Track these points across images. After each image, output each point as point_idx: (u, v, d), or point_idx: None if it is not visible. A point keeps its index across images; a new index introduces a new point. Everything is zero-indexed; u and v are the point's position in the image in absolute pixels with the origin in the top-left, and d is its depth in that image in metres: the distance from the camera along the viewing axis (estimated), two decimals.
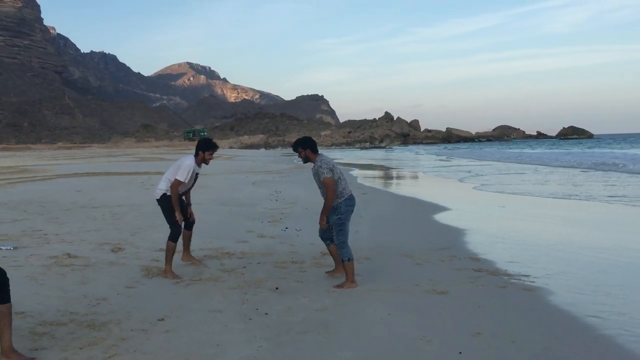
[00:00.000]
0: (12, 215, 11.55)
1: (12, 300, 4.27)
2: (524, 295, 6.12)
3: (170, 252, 6.96)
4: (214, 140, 7.59)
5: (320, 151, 6.96)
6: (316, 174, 6.75)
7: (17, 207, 12.87)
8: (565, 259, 8.11)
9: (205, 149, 7.17)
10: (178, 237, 7.12)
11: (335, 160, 8.01)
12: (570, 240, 9.63)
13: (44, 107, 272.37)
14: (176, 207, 7.09)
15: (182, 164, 7.14)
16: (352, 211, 6.85)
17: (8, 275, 4.32)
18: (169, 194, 7.12)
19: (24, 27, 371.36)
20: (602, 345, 4.75)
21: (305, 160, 6.91)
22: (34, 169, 30.70)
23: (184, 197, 7.49)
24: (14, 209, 12.64)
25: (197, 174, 7.35)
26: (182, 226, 7.31)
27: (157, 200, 7.25)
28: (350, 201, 6.79)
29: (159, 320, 5.15)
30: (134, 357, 4.30)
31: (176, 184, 7.06)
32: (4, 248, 8.03)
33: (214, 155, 7.39)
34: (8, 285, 4.26)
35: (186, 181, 7.13)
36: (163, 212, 7.23)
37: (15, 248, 8.15)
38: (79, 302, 5.69)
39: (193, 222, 7.68)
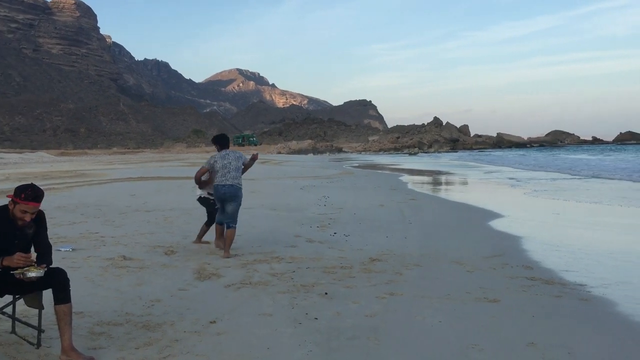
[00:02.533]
0: (71, 218, 11.97)
1: (71, 300, 4.43)
2: (580, 305, 5.95)
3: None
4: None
5: (231, 149, 8.68)
6: None
7: (75, 210, 13.33)
8: (623, 268, 7.84)
9: None
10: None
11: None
12: (628, 249, 9.31)
13: (100, 113, 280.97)
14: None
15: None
16: (217, 197, 8.54)
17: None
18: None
19: (81, 36, 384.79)
20: None
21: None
22: (91, 174, 31.74)
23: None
24: (72, 212, 13.10)
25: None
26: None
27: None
28: (214, 189, 8.52)
29: (210, 322, 5.24)
30: (188, 358, 4.38)
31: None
32: (63, 250, 8.33)
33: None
34: (69, 286, 4.42)
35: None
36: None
37: (73, 250, 8.45)
38: (134, 303, 5.84)
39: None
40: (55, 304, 4.34)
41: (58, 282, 4.36)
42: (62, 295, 4.33)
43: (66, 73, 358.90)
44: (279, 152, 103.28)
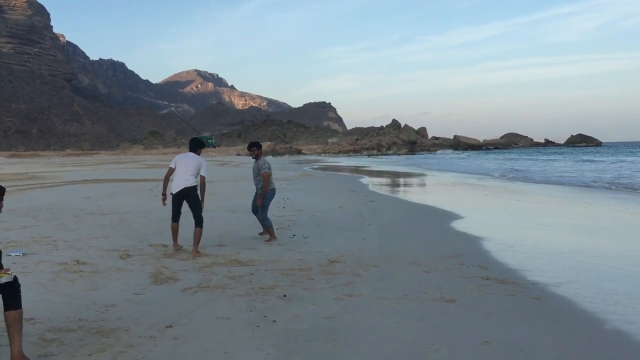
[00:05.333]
0: (22, 222, 11.62)
1: (22, 306, 4.29)
2: (533, 304, 6.09)
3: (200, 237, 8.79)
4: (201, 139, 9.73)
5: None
6: (258, 167, 10.01)
7: (27, 214, 12.95)
8: (574, 267, 8.07)
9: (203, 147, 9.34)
10: None
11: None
12: (579, 249, 9.58)
13: (53, 114, 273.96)
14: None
15: (204, 162, 8.85)
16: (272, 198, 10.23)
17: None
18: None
19: (33, 34, 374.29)
20: (611, 354, 4.72)
21: (257, 157, 10.13)
22: (43, 176, 30.89)
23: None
24: (24, 215, 12.72)
25: None
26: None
27: (190, 189, 8.72)
28: (272, 192, 10.13)
29: (167, 327, 5.16)
30: None
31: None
32: (13, 254, 8.07)
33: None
34: (19, 292, 4.28)
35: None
36: (195, 201, 8.78)
37: (24, 254, 8.20)
38: (88, 308, 5.71)
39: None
40: (4, 310, 4.20)
41: (8, 287, 4.22)
42: (12, 301, 4.19)
43: (17, 73, 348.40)
44: (238, 154, 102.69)
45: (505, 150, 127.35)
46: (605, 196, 20.25)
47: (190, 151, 9.08)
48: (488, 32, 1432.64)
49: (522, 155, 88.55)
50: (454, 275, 7.35)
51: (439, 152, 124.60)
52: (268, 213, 10.10)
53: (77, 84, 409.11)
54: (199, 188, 8.81)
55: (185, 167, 8.78)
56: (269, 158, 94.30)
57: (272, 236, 9.90)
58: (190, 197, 8.74)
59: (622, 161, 51.97)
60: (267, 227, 9.92)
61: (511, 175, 35.06)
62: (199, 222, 8.71)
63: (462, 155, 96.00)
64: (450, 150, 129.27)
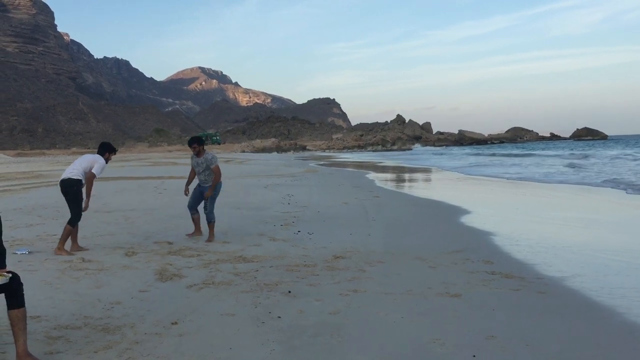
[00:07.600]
0: (27, 220, 11.66)
1: (27, 304, 4.30)
2: (538, 298, 6.08)
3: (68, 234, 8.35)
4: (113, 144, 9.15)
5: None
6: (207, 162, 9.52)
7: (32, 212, 12.99)
8: (580, 261, 8.04)
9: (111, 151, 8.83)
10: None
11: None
12: (585, 243, 9.55)
13: (58, 113, 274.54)
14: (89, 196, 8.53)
15: (100, 161, 8.55)
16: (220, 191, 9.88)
17: (23, 280, 4.35)
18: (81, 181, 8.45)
19: (37, 33, 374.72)
20: (618, 348, 4.70)
21: (199, 154, 9.59)
22: (49, 174, 30.96)
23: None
24: (29, 213, 12.76)
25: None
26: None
27: (72, 181, 8.39)
28: (220, 185, 9.79)
29: (172, 323, 5.17)
30: None
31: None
32: (19, 253, 8.11)
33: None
34: (22, 290, 4.28)
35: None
36: (73, 196, 8.45)
37: (30, 253, 8.23)
38: (93, 305, 5.72)
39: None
40: (8, 309, 4.21)
41: (10, 287, 4.22)
42: (15, 300, 4.20)
43: (22, 72, 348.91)
44: (243, 151, 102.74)
45: (498, 145, 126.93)
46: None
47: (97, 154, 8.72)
48: (492, 26, 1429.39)
49: (511, 150, 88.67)
50: (459, 270, 7.34)
51: (413, 147, 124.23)
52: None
53: (82, 83, 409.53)
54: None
55: (76, 161, 8.60)
56: (274, 154, 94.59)
57: (211, 234, 9.55)
58: (67, 190, 8.46)
59: (588, 156, 51.12)
60: (211, 222, 9.56)
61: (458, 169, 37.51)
62: (70, 218, 8.41)
63: (439, 150, 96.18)
64: (417, 145, 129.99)
